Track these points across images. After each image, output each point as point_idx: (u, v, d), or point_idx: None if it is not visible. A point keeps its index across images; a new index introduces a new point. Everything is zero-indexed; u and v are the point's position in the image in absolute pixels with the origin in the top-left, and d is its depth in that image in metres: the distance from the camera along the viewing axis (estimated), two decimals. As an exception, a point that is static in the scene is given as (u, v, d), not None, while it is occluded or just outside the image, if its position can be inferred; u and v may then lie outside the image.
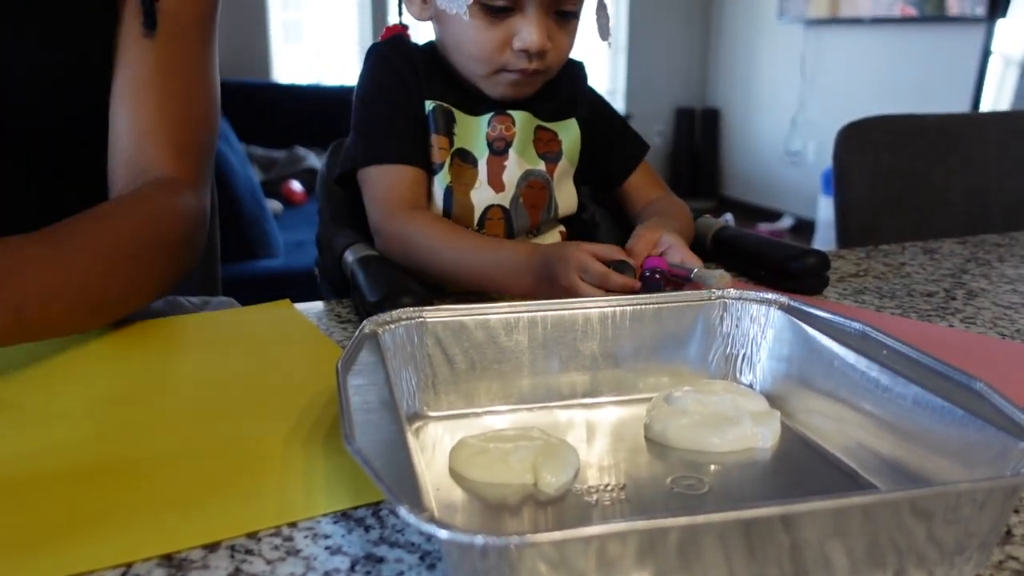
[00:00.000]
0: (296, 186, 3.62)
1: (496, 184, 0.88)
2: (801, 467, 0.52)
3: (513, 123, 0.88)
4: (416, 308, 0.57)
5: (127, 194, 0.79)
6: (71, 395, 0.60)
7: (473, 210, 0.88)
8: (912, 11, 4.17)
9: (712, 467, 0.51)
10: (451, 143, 0.88)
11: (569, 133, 0.92)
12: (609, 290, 0.71)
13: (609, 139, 0.98)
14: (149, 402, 0.59)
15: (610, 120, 0.99)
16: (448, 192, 0.87)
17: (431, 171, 0.88)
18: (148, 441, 0.53)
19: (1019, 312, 0.81)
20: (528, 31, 0.80)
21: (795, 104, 4.96)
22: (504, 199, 0.88)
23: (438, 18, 0.86)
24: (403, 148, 0.87)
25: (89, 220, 0.72)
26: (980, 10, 3.83)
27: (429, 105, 0.88)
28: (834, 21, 4.64)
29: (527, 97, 0.89)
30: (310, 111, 4.00)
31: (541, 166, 0.90)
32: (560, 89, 0.92)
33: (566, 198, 0.93)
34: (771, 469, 0.52)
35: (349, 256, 0.85)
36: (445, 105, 0.88)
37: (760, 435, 0.53)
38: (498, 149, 0.88)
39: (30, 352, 0.67)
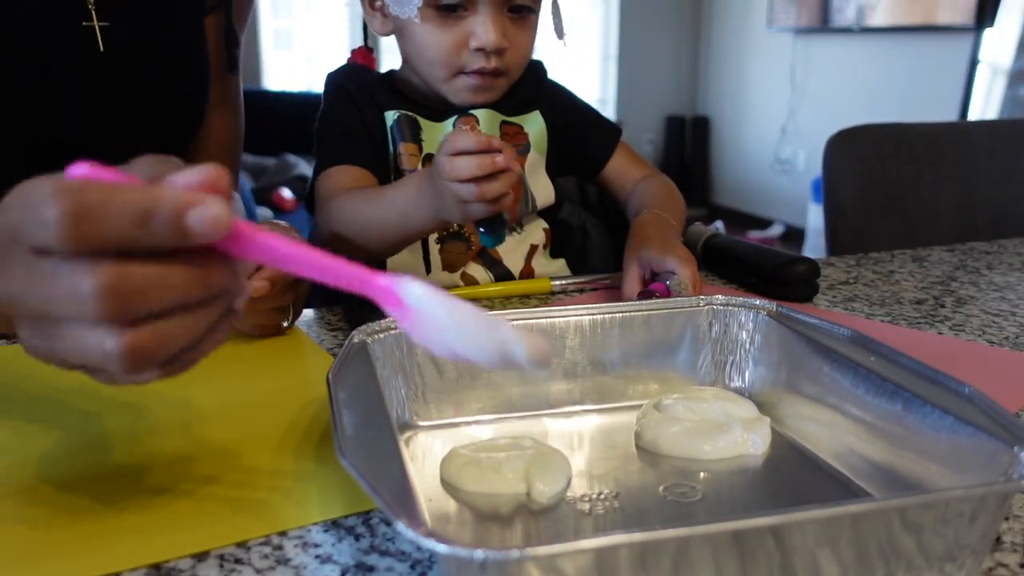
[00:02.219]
0: (287, 193, 3.61)
1: None
2: (793, 473, 0.52)
3: (477, 121, 0.89)
4: (407, 316, 0.57)
5: None
6: (57, 403, 0.60)
7: None
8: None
9: (704, 474, 0.51)
10: (420, 149, 0.89)
11: (534, 125, 0.93)
12: (474, 153, 0.66)
13: (581, 129, 0.99)
14: (137, 410, 0.59)
15: (578, 111, 1.00)
16: None
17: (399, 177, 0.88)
18: (136, 449, 0.53)
19: (1007, 319, 0.81)
20: (483, 29, 0.81)
21: (785, 112, 4.98)
22: None
23: (399, 31, 0.87)
24: (344, 151, 0.87)
25: None
26: (968, 19, 3.85)
27: (392, 116, 0.89)
28: (823, 30, 4.66)
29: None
30: (300, 118, 3.96)
31: None
32: (521, 85, 0.93)
33: (541, 190, 0.93)
34: (763, 476, 0.52)
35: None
36: (410, 114, 0.89)
37: (751, 442, 0.53)
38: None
39: (14, 359, 0.67)
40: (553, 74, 0.99)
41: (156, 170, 0.37)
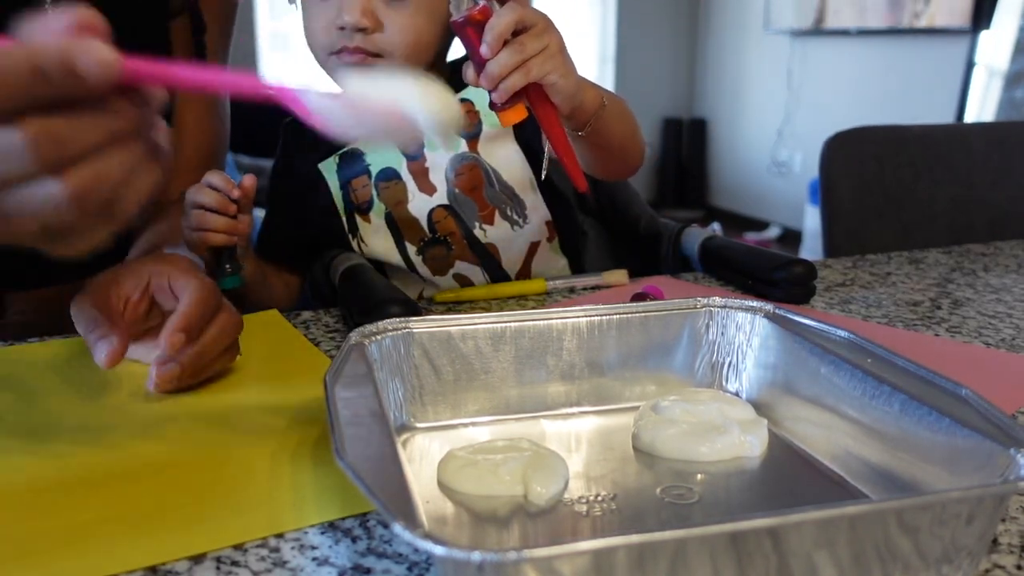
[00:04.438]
0: (284, 196, 3.61)
1: (426, 188, 0.89)
2: (790, 475, 0.52)
3: None
4: (403, 319, 0.57)
5: (162, 218, 0.85)
6: (55, 406, 0.60)
7: (418, 222, 0.89)
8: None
9: (701, 476, 0.51)
10: (370, 175, 0.89)
11: (484, 95, 0.90)
12: None
13: None
14: (135, 412, 0.59)
15: None
16: (389, 217, 0.88)
17: (363, 211, 0.90)
18: (133, 452, 0.53)
19: (1004, 321, 0.81)
20: (343, 5, 0.79)
21: (781, 114, 4.99)
22: (441, 198, 0.89)
23: None
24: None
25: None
26: (964, 22, 3.86)
27: (332, 164, 0.90)
28: (820, 32, 4.67)
29: None
30: (298, 121, 3.99)
31: (462, 146, 0.89)
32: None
33: (506, 163, 0.90)
34: (760, 478, 0.52)
35: (337, 266, 0.85)
36: (347, 149, 0.90)
37: (748, 443, 0.53)
38: (412, 154, 0.89)
39: (12, 362, 0.67)
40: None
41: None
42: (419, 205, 0.89)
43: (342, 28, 0.80)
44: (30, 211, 0.38)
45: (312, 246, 0.95)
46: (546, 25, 0.66)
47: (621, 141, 0.80)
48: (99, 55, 0.36)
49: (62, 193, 0.37)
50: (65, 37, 0.37)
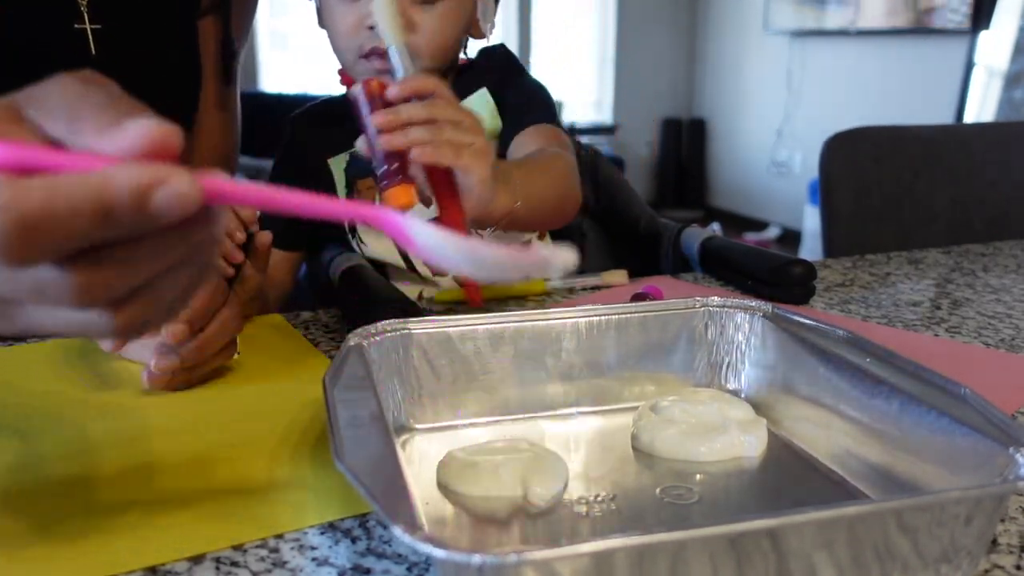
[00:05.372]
0: (283, 196, 3.61)
1: None
2: (789, 475, 0.52)
3: None
4: (402, 320, 0.57)
5: None
6: (53, 407, 0.60)
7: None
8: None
9: (700, 476, 0.51)
10: (376, 178, 0.89)
11: (484, 106, 0.90)
12: None
13: (509, 101, 0.91)
14: (134, 414, 0.59)
15: (518, 88, 0.92)
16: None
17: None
18: (132, 452, 0.53)
19: (1003, 321, 0.81)
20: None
21: (781, 115, 4.99)
22: None
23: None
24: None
25: None
26: (963, 22, 3.86)
27: (341, 162, 0.90)
28: (819, 33, 4.67)
29: None
30: (298, 120, 4.00)
31: None
32: (470, 69, 0.92)
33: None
34: (759, 478, 0.52)
35: (336, 266, 0.85)
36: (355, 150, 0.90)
37: (747, 443, 0.53)
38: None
39: (9, 364, 0.67)
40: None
41: (72, 104, 0.33)
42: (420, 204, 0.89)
43: (372, 28, 0.80)
44: (66, 331, 0.34)
45: (311, 236, 0.94)
46: (475, 123, 0.63)
47: (542, 213, 0.78)
48: (178, 189, 0.30)
49: (108, 324, 0.33)
50: (136, 162, 0.30)
